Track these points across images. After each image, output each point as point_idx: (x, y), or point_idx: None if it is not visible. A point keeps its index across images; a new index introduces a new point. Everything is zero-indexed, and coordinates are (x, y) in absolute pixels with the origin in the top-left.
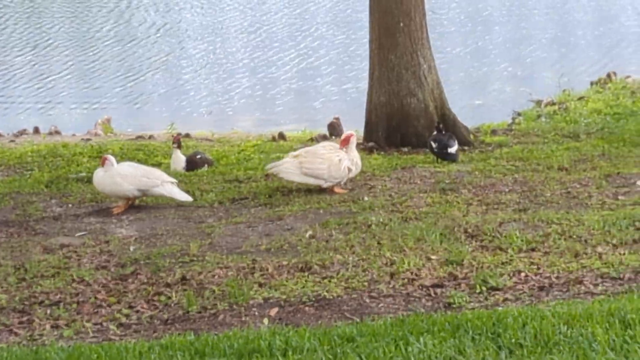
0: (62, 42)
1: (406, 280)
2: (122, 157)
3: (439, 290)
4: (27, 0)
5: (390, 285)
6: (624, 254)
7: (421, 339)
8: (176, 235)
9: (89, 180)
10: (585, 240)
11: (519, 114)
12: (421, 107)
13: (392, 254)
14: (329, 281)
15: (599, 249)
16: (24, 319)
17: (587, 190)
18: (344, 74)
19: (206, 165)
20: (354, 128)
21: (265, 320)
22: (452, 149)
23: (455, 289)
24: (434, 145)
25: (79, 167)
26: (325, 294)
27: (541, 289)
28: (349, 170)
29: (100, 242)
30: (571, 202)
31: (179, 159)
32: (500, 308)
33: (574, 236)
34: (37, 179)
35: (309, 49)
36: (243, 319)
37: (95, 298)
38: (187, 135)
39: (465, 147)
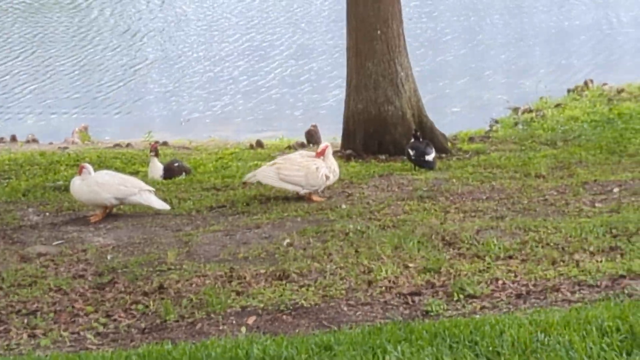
0: (40, 50)
1: (384, 288)
2: (99, 165)
3: (416, 298)
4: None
5: (368, 294)
6: (601, 261)
7: (399, 347)
8: (154, 244)
9: (67, 189)
10: (563, 248)
11: (497, 122)
12: (398, 115)
13: (369, 262)
14: (307, 289)
15: (576, 257)
16: (1, 328)
17: (564, 198)
18: (326, 82)
19: (184, 173)
20: (333, 136)
21: (243, 329)
22: (430, 157)
23: (433, 296)
24: (411, 152)
25: (56, 176)
26: (303, 302)
27: (518, 296)
28: (327, 178)
29: (77, 250)
30: (548, 209)
31: (156, 167)
32: (477, 316)
33: (551, 244)
34: (14, 187)
35: (290, 58)
36: (221, 327)
37: (73, 307)
38: (165, 143)
39: (443, 155)
